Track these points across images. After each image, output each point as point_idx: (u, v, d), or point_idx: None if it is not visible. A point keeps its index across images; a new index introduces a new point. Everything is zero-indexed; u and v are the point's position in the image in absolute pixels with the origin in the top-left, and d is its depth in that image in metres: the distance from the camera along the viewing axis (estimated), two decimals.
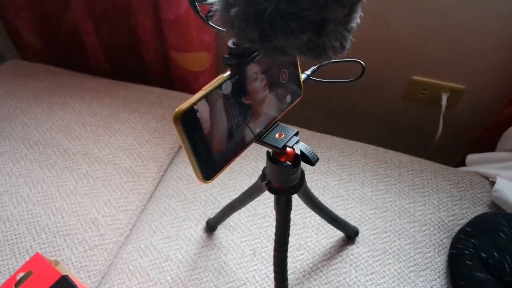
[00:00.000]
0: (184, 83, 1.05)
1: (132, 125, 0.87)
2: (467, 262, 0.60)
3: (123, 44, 1.10)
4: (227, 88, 0.36)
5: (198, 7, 0.38)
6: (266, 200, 0.71)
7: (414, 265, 0.63)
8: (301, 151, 0.42)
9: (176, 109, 0.32)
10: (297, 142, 0.42)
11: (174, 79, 1.06)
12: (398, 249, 0.65)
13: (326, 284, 0.61)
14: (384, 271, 0.63)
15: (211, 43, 0.99)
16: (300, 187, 0.48)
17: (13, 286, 0.53)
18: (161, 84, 1.03)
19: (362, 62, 0.43)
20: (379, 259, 0.64)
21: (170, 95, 0.96)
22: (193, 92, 1.08)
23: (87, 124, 0.87)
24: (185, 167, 0.80)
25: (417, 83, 0.96)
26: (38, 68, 1.05)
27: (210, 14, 0.34)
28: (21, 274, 0.54)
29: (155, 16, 0.95)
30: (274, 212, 0.49)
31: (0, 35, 1.31)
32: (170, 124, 0.88)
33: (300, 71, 0.45)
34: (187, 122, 0.33)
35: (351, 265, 0.64)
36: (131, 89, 0.97)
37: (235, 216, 0.70)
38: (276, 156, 0.44)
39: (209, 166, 0.37)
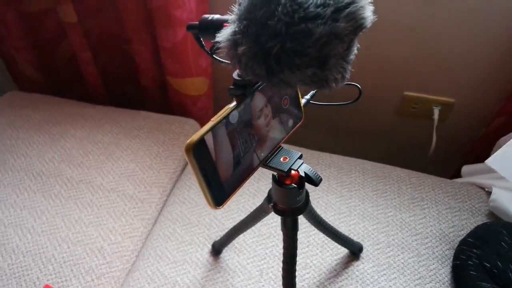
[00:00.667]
0: (182, 107, 1.07)
1: (134, 151, 0.88)
2: (472, 272, 0.61)
3: (120, 71, 1.12)
4: (234, 118, 0.38)
5: (203, 42, 0.40)
6: (270, 221, 0.72)
7: (419, 278, 0.65)
8: (305, 172, 0.44)
9: (188, 141, 0.34)
10: (301, 165, 0.44)
11: (172, 104, 1.08)
12: (402, 263, 0.66)
13: None
14: (390, 286, 0.64)
15: (207, 68, 1.02)
16: (305, 207, 0.49)
17: None
18: (159, 109, 1.05)
19: (359, 86, 0.45)
20: (384, 274, 0.65)
21: (169, 120, 0.98)
22: (191, 116, 1.09)
23: (89, 153, 0.88)
24: (188, 191, 0.81)
25: (408, 98, 0.99)
26: (36, 99, 1.06)
27: (216, 49, 0.36)
28: None
29: (152, 43, 0.98)
30: (278, 232, 0.50)
31: None
32: (171, 149, 0.90)
33: (300, 96, 0.47)
34: (198, 152, 0.35)
35: (357, 281, 0.64)
36: (130, 116, 0.99)
37: (240, 238, 0.71)
38: (281, 179, 0.45)
39: (219, 192, 0.38)
